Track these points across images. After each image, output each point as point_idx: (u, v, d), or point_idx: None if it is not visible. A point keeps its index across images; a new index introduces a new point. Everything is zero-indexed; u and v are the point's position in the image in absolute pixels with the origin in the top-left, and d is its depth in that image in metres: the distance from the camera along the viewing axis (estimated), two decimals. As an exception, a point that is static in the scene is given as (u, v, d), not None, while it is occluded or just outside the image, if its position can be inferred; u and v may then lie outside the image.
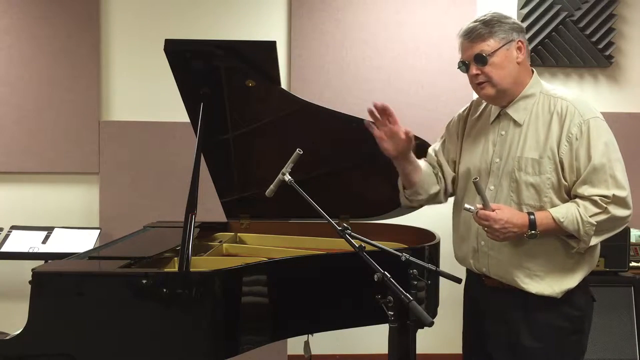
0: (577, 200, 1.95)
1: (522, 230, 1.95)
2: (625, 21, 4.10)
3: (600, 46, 4.02)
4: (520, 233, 1.96)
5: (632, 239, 3.53)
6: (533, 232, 1.95)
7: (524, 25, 3.93)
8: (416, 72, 3.96)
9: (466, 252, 2.20)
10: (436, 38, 3.94)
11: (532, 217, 1.95)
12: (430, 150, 2.42)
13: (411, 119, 3.89)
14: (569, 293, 2.01)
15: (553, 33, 4.00)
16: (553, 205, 1.97)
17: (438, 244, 2.65)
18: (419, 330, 1.92)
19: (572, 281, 2.01)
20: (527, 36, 3.92)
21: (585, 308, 2.06)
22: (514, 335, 2.06)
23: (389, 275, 1.75)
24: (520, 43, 2.05)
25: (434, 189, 2.30)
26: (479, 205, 1.98)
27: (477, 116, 2.24)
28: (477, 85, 2.06)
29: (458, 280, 2.02)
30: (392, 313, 1.77)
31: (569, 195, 1.99)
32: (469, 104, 2.35)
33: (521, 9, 3.99)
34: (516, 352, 2.06)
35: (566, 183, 1.97)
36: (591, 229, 1.91)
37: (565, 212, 1.93)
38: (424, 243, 2.57)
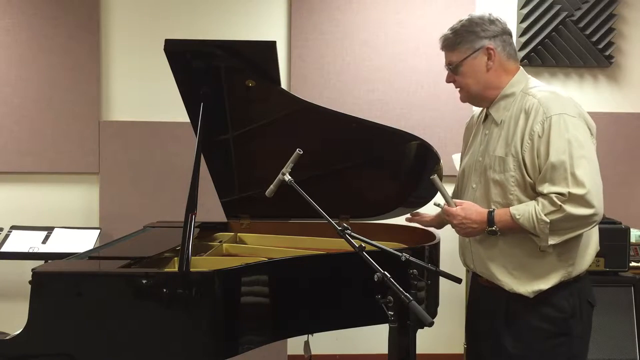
0: (539, 197, 1.92)
1: (482, 226, 1.99)
2: (625, 21, 4.10)
3: (600, 46, 4.02)
4: (480, 229, 2.00)
5: (632, 239, 3.53)
6: (492, 228, 1.97)
7: (524, 25, 3.95)
8: (416, 72, 3.96)
9: (459, 249, 2.26)
10: (436, 38, 3.90)
11: (491, 214, 1.98)
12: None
13: (411, 119, 3.92)
14: (547, 294, 1.98)
15: (553, 33, 4.00)
16: (520, 203, 1.97)
17: (438, 244, 2.65)
18: (419, 330, 1.92)
19: (545, 283, 1.97)
20: (527, 36, 3.95)
21: (572, 311, 2.00)
22: (498, 335, 2.06)
23: (389, 275, 1.74)
24: (490, 50, 2.05)
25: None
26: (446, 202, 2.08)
27: (476, 120, 2.30)
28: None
29: (458, 280, 2.02)
30: (392, 313, 1.77)
31: (536, 192, 1.97)
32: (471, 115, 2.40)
33: (521, 9, 3.99)
34: (500, 353, 2.05)
35: (531, 180, 1.96)
36: (545, 227, 1.88)
37: (523, 210, 1.92)
38: (424, 243, 2.57)
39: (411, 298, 1.67)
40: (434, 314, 2.60)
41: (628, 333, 3.41)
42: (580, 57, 4.02)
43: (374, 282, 1.75)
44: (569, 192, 1.85)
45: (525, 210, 1.92)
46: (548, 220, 1.88)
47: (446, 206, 2.06)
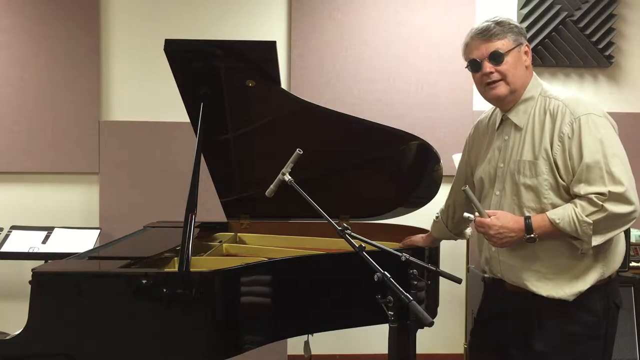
0: (575, 200, 1.90)
1: (520, 234, 1.94)
2: (625, 21, 4.10)
3: (600, 46, 4.02)
4: (518, 237, 1.95)
5: (632, 239, 3.53)
6: (530, 235, 1.93)
7: (524, 25, 3.96)
8: (416, 72, 3.96)
9: (482, 259, 2.21)
10: (436, 38, 3.95)
11: (528, 221, 1.94)
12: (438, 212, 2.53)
13: (411, 119, 3.92)
14: (583, 297, 1.96)
15: (553, 33, 4.00)
16: (555, 207, 1.93)
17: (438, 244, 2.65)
18: (419, 330, 1.92)
19: (583, 284, 1.95)
20: (527, 36, 3.95)
21: (603, 313, 1.99)
22: (529, 338, 2.02)
23: (389, 275, 1.74)
24: (526, 47, 2.07)
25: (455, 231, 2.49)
26: (477, 213, 2.01)
27: (484, 128, 2.25)
28: (487, 85, 2.05)
29: (458, 280, 2.01)
30: (392, 313, 1.77)
31: (570, 195, 1.95)
32: (472, 128, 2.35)
33: (521, 9, 3.99)
34: (530, 356, 2.03)
35: (564, 183, 1.93)
36: (588, 228, 1.86)
37: (562, 214, 1.89)
38: (424, 243, 2.57)
39: (411, 298, 1.67)
40: (434, 314, 2.60)
41: (628, 333, 3.41)
42: (580, 57, 4.02)
43: (374, 282, 1.75)
44: (609, 191, 1.85)
45: (564, 214, 1.89)
46: (591, 222, 1.85)
47: (479, 218, 1.99)
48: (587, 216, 1.86)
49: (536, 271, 2.00)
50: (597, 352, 2.01)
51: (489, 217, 1.98)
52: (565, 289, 1.96)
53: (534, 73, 2.11)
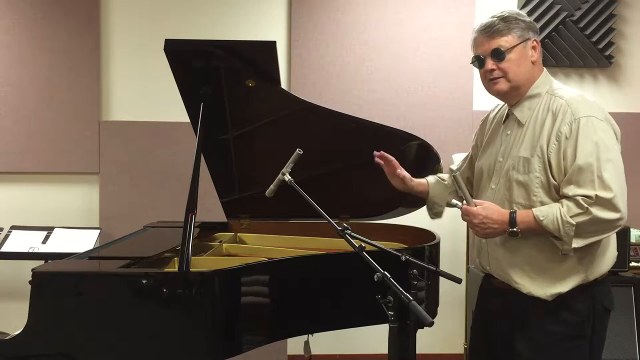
0: (563, 200, 1.90)
1: (503, 227, 1.95)
2: (625, 21, 4.10)
3: (600, 46, 4.02)
4: (501, 230, 1.96)
5: (632, 239, 3.54)
6: (513, 229, 1.94)
7: (524, 25, 3.96)
8: (416, 72, 3.96)
9: (475, 250, 2.23)
10: (436, 38, 3.95)
11: (512, 214, 1.95)
12: (450, 167, 2.45)
13: (411, 119, 3.92)
14: (566, 297, 1.96)
15: (553, 33, 4.00)
16: (543, 205, 1.94)
17: (438, 244, 2.65)
18: (419, 330, 1.92)
19: (562, 286, 1.96)
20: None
21: (588, 314, 1.98)
22: (512, 337, 2.04)
23: (389, 275, 1.74)
24: (535, 42, 2.06)
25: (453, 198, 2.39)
26: (465, 201, 2.02)
27: (492, 120, 2.25)
28: (489, 81, 2.05)
29: (458, 280, 2.01)
30: (392, 313, 1.77)
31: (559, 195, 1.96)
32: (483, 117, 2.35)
33: (521, 9, 3.99)
34: (512, 355, 2.04)
35: (555, 182, 1.94)
36: (571, 229, 1.86)
37: (547, 212, 1.90)
38: (424, 243, 2.57)
39: (411, 298, 1.67)
40: (434, 314, 2.60)
41: (628, 333, 3.41)
42: (580, 57, 4.02)
43: (374, 282, 1.75)
44: (596, 195, 1.84)
45: (549, 212, 1.89)
46: (574, 223, 1.85)
47: (466, 205, 2.01)
48: (571, 217, 1.86)
49: (520, 268, 2.02)
50: (582, 354, 2.00)
51: (476, 206, 1.99)
52: (545, 289, 1.97)
53: (544, 69, 2.10)
